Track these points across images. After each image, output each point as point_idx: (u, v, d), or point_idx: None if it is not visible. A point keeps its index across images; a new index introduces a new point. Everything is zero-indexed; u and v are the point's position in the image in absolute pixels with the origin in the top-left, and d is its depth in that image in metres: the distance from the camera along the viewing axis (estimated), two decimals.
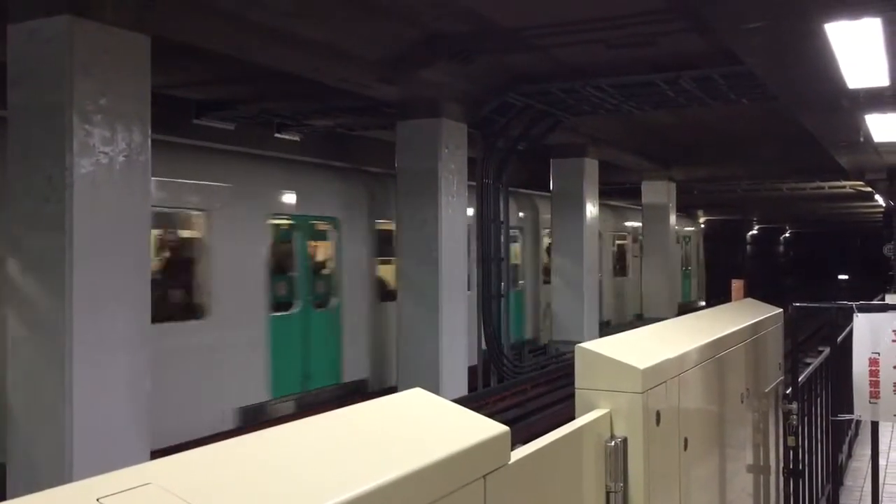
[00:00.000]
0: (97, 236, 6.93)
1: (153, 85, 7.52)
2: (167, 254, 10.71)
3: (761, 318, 3.95)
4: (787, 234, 59.75)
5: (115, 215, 7.08)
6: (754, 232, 50.54)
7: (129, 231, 7.23)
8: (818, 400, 4.70)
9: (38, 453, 6.85)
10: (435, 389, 10.92)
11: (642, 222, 23.32)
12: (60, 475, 6.60)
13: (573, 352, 2.32)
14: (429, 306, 11.94)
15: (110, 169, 7.01)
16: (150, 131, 7.38)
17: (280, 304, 11.40)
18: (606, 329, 19.31)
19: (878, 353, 3.78)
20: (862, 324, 3.85)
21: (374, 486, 1.27)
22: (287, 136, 14.97)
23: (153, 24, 7.47)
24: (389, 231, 13.63)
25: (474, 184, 13.49)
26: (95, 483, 1.11)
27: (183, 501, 1.10)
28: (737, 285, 17.70)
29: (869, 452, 5.68)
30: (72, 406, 6.71)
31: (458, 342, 12.40)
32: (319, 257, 12.65)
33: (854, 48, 7.06)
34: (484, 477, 1.55)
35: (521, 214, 17.59)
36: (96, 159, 6.90)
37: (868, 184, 22.48)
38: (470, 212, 13.35)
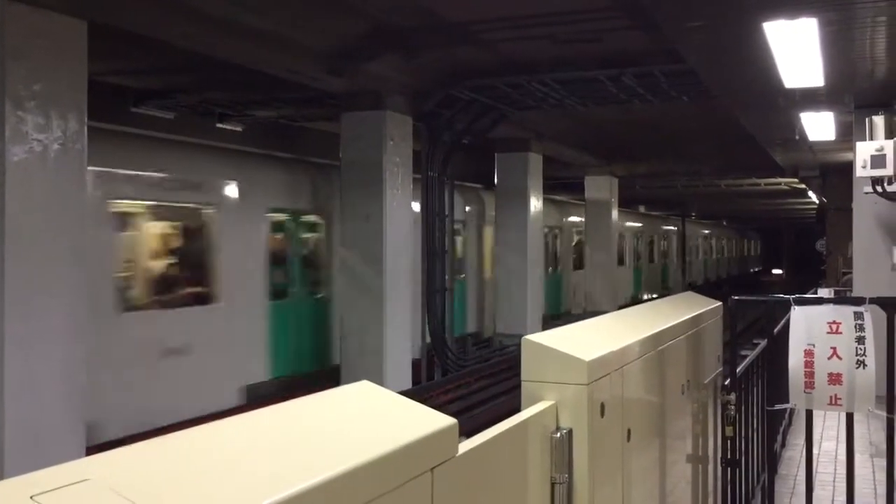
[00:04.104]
0: (30, 226, 6.72)
1: (90, 72, 7.31)
2: None
3: (701, 310, 4.03)
4: None
5: (49, 204, 6.87)
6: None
7: (64, 220, 7.02)
8: (754, 390, 4.81)
9: None
10: (379, 382, 10.89)
11: (585, 217, 23.50)
12: None
13: (517, 344, 2.33)
14: (373, 299, 11.88)
15: (44, 157, 6.80)
16: (86, 118, 7.18)
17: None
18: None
19: (814, 345, 3.88)
20: (798, 316, 3.95)
21: (321, 479, 1.24)
22: (229, 127, 14.72)
23: (90, 8, 7.25)
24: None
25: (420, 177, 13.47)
26: (31, 479, 1.06)
27: (122, 497, 1.07)
28: None
29: (802, 441, 5.84)
30: (3, 401, 6.50)
31: (402, 335, 12.36)
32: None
33: (791, 48, 7.24)
34: (431, 470, 1.54)
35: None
36: (30, 147, 6.68)
37: (802, 181, 23.14)
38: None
